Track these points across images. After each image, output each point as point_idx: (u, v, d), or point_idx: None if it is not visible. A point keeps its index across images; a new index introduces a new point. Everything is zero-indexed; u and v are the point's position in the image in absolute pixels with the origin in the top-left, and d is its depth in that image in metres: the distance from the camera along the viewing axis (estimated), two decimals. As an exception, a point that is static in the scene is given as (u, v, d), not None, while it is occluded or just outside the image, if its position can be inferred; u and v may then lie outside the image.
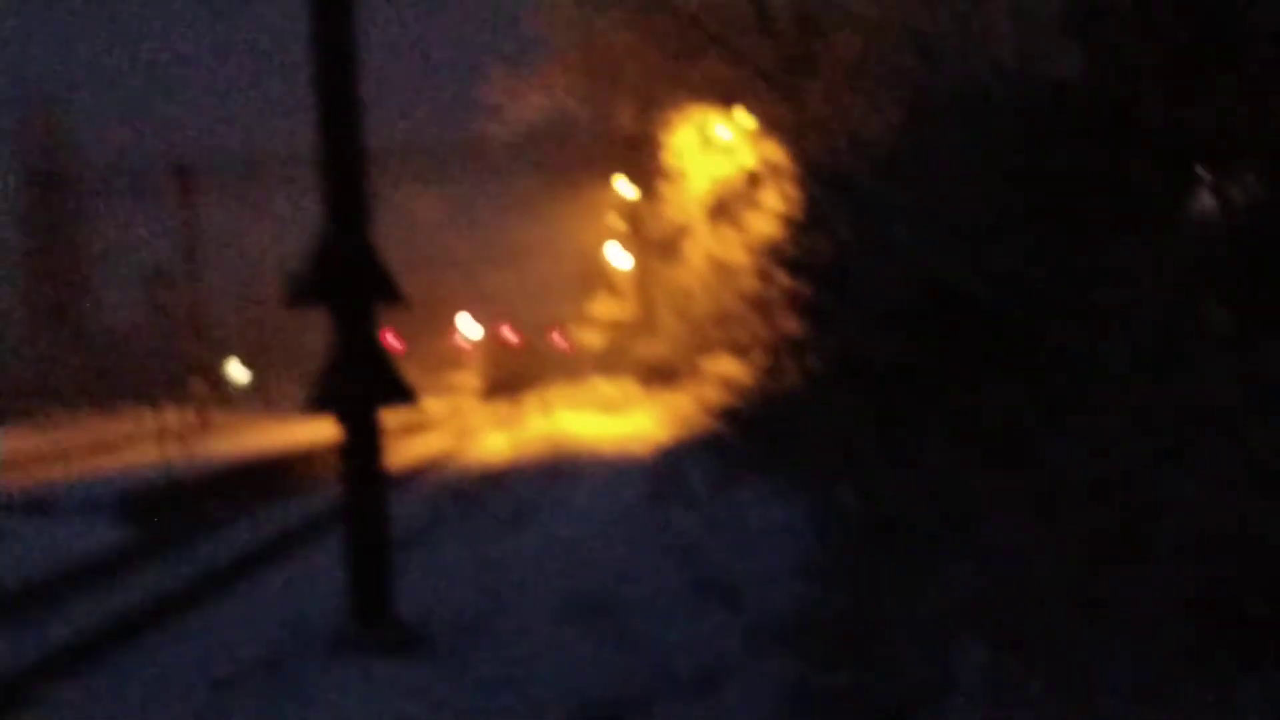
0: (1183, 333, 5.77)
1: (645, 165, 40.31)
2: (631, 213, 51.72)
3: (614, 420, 39.05)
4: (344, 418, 9.87)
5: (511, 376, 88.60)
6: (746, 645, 8.23)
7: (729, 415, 13.49)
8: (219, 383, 67.75)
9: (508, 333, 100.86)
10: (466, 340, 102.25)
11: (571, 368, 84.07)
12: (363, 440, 9.92)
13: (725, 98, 31.68)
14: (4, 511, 19.47)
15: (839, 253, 9.78)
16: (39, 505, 19.90)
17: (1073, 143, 7.20)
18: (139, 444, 38.67)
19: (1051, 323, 6.18)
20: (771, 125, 29.85)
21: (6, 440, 40.71)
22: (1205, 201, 7.06)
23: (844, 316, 8.66)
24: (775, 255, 11.28)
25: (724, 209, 30.81)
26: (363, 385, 9.91)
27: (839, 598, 7.83)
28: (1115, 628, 5.16)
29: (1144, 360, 5.62)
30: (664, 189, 34.14)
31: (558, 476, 22.97)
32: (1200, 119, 6.70)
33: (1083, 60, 7.48)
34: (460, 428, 48.66)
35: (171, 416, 29.44)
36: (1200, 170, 6.93)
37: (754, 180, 28.22)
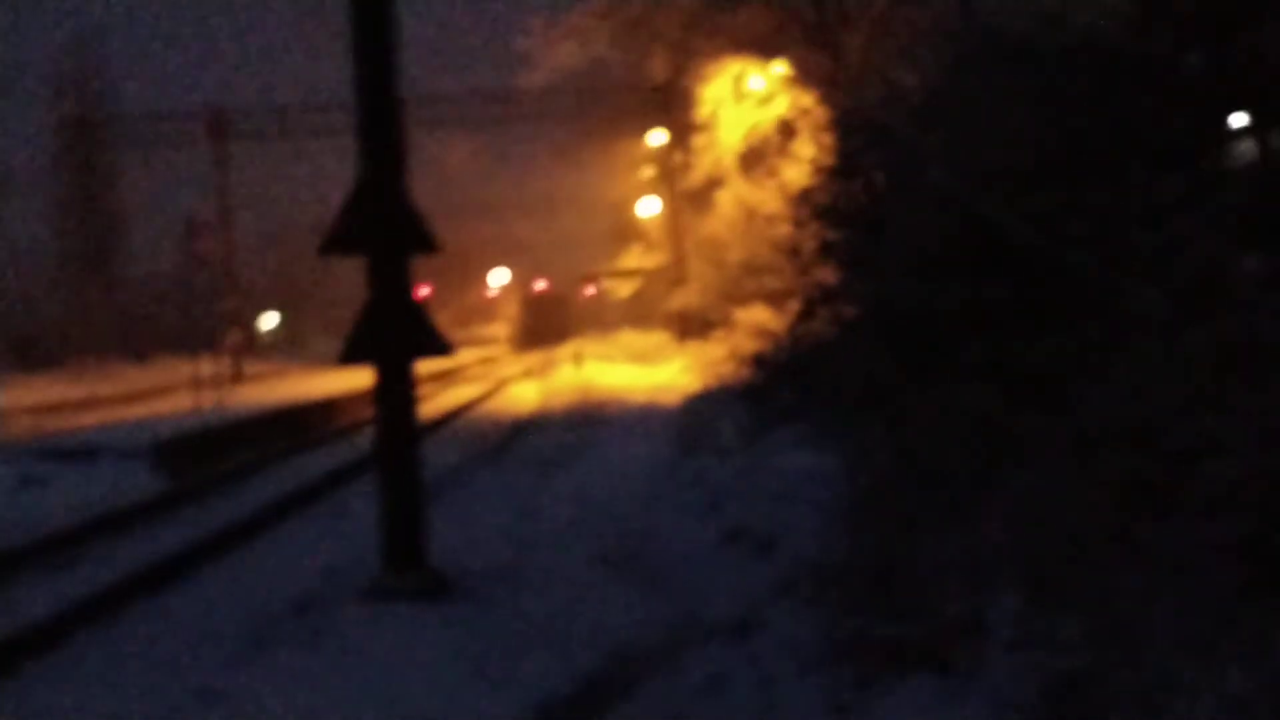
0: (1221, 278, 5.73)
1: (678, 115, 40.23)
2: (664, 163, 51.61)
3: (645, 370, 39.07)
4: (379, 368, 9.89)
5: (543, 327, 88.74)
6: (778, 592, 8.24)
7: (760, 364, 13.46)
8: (251, 332, 68.03)
9: (539, 283, 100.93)
10: (497, 290, 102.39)
11: (603, 318, 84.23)
12: (397, 390, 9.93)
13: (760, 47, 31.54)
14: (42, 459, 19.59)
15: (874, 200, 9.75)
16: (75, 453, 20.01)
17: (1113, 89, 7.15)
18: (173, 393, 38.89)
19: (1089, 267, 6.14)
20: (807, 74, 29.73)
21: (39, 388, 40.95)
22: (1245, 147, 7.00)
23: (878, 263, 8.62)
24: (809, 203, 11.24)
25: (757, 158, 30.74)
26: (398, 336, 9.92)
27: (872, 544, 7.83)
28: (1153, 574, 5.14)
29: (1182, 305, 5.58)
30: (697, 139, 34.06)
31: (589, 426, 23.01)
32: (1243, 66, 6.64)
33: (1130, 6, 7.40)
34: (491, 377, 48.73)
35: (205, 366, 29.53)
36: (1240, 116, 6.87)
37: (787, 129, 28.11)
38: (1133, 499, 5.43)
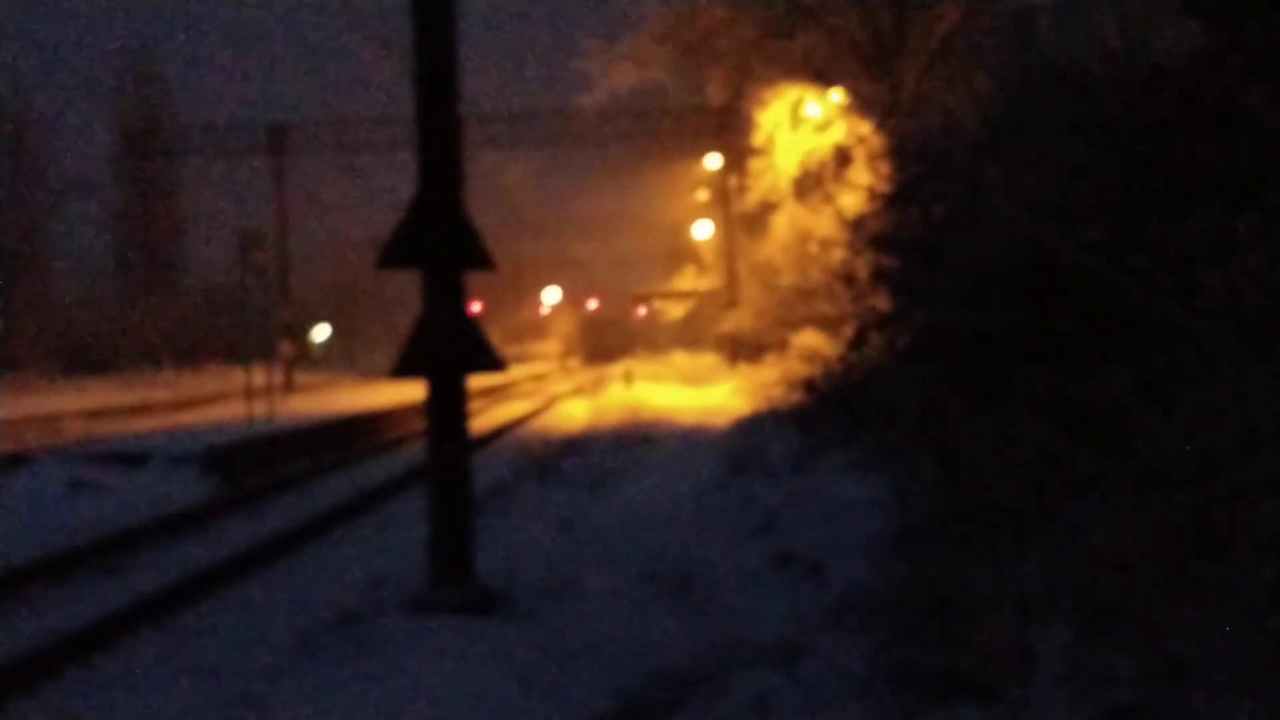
0: (1283, 316, 5.68)
1: (735, 139, 40.31)
2: (719, 186, 51.69)
3: (696, 392, 39.07)
4: (431, 382, 9.93)
5: (594, 346, 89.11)
6: (827, 618, 8.20)
7: (812, 388, 13.45)
8: (305, 344, 68.42)
9: (591, 302, 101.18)
10: (549, 308, 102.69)
11: (654, 339, 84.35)
12: (449, 405, 9.96)
13: (817, 74, 31.59)
14: (94, 463, 19.76)
15: (930, 228, 9.72)
16: (128, 457, 20.18)
17: (1177, 123, 7.11)
18: (225, 401, 39.16)
19: (1151, 300, 6.10)
20: (864, 102, 29.75)
21: (94, 393, 41.25)
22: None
23: (934, 291, 8.60)
24: (864, 230, 11.23)
25: (812, 184, 30.76)
26: (452, 351, 9.96)
27: (921, 573, 7.78)
28: (1207, 612, 5.09)
29: (1247, 342, 5.53)
30: (753, 163, 34.11)
31: (638, 446, 23.00)
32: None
33: (1196, 41, 7.36)
34: (542, 394, 48.83)
35: (257, 375, 29.73)
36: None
37: (843, 156, 28.11)
38: (1189, 536, 5.38)
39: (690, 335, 69.59)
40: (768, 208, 34.38)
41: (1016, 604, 6.36)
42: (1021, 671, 5.93)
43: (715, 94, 38.50)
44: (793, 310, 29.03)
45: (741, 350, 41.35)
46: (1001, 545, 6.94)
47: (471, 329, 10.16)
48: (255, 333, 30.33)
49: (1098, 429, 6.33)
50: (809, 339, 23.34)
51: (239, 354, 32.09)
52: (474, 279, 10.59)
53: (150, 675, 8.91)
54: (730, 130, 43.06)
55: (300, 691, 8.03)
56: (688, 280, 59.22)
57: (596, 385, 51.67)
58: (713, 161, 51.81)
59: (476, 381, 11.33)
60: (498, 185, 77.02)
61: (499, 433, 29.20)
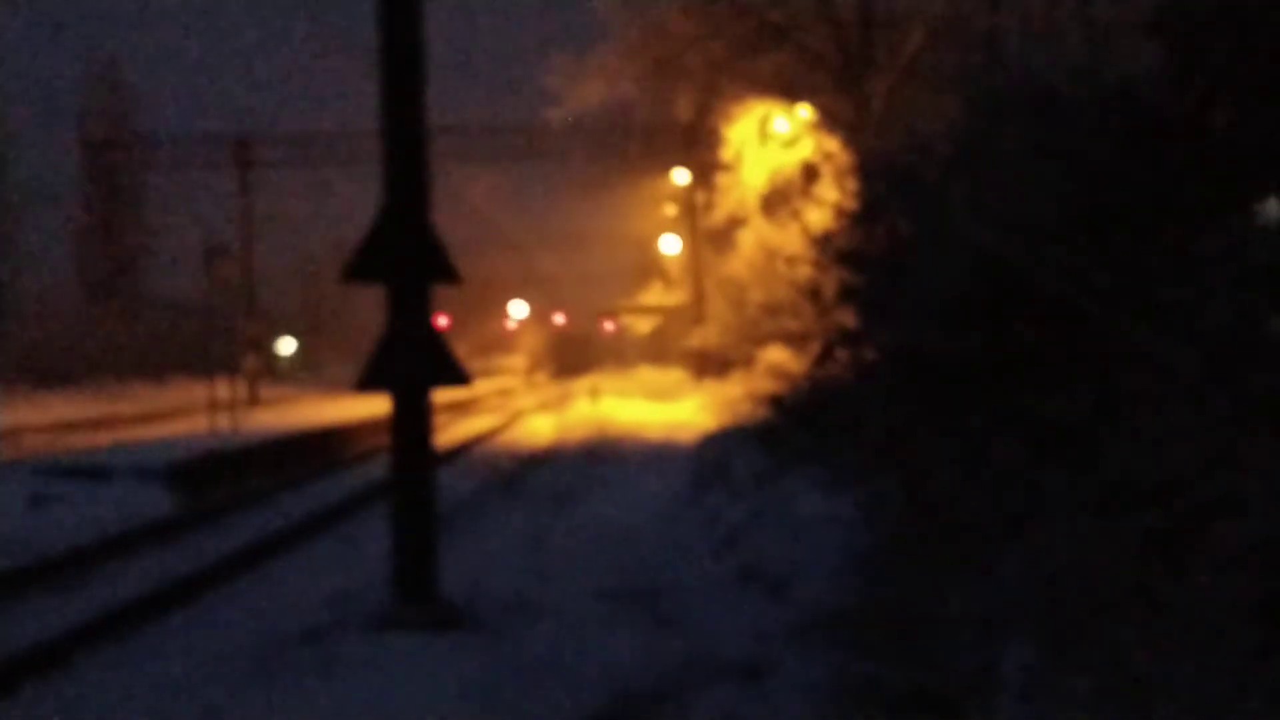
0: (1249, 336, 5.70)
1: (703, 155, 40.38)
2: (686, 202, 51.77)
3: (662, 407, 39.09)
4: (396, 396, 9.89)
5: (560, 361, 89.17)
6: (791, 635, 8.20)
7: (778, 405, 13.45)
8: (270, 357, 68.18)
9: (558, 317, 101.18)
10: (516, 323, 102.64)
11: (621, 354, 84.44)
12: (413, 419, 9.93)
13: (785, 90, 31.68)
14: (56, 477, 19.62)
15: (896, 245, 9.73)
16: (89, 471, 20.04)
17: (1142, 143, 7.14)
18: (189, 415, 38.97)
19: (1115, 320, 6.12)
20: (832, 118, 29.84)
21: (57, 407, 41.02)
22: (1272, 207, 6.98)
23: (900, 309, 8.61)
24: (830, 246, 11.24)
25: (780, 200, 30.83)
26: (416, 365, 9.92)
27: (886, 590, 7.79)
28: (1170, 631, 5.10)
29: (1209, 362, 5.55)
30: (720, 179, 34.18)
31: (604, 461, 22.99)
32: (1273, 126, 6.63)
33: (1161, 63, 7.40)
34: (508, 409, 48.75)
35: (222, 389, 29.60)
36: (1271, 175, 6.85)
37: (811, 172, 28.17)
38: (1152, 555, 5.39)
39: (657, 350, 69.70)
40: (735, 223, 34.45)
41: (981, 622, 6.37)
42: (985, 689, 5.93)
43: (683, 109, 38.55)
44: (759, 326, 29.07)
45: (708, 366, 41.40)
46: (966, 563, 6.94)
47: (437, 343, 10.13)
48: (220, 346, 30.22)
49: (1062, 448, 6.34)
50: (775, 355, 23.38)
51: (204, 367, 31.96)
52: (442, 293, 10.56)
53: (109, 691, 8.82)
54: (698, 146, 43.15)
55: (261, 709, 7.98)
56: (655, 296, 59.32)
57: (562, 400, 51.65)
58: (680, 177, 51.89)
59: (442, 396, 11.30)
60: (465, 199, 76.95)
61: (465, 448, 29.12)
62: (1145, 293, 6.14)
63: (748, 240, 33.68)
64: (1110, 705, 5.25)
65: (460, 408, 45.19)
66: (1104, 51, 9.36)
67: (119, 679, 9.09)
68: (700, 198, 43.91)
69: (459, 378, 10.17)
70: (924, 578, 7.29)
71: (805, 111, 31.59)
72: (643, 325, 68.01)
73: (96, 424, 38.06)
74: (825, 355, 11.26)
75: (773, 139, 32.37)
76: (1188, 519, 5.24)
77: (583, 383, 62.49)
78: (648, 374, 60.57)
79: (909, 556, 7.84)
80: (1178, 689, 4.90)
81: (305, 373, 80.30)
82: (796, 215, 26.57)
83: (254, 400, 45.21)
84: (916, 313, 8.16)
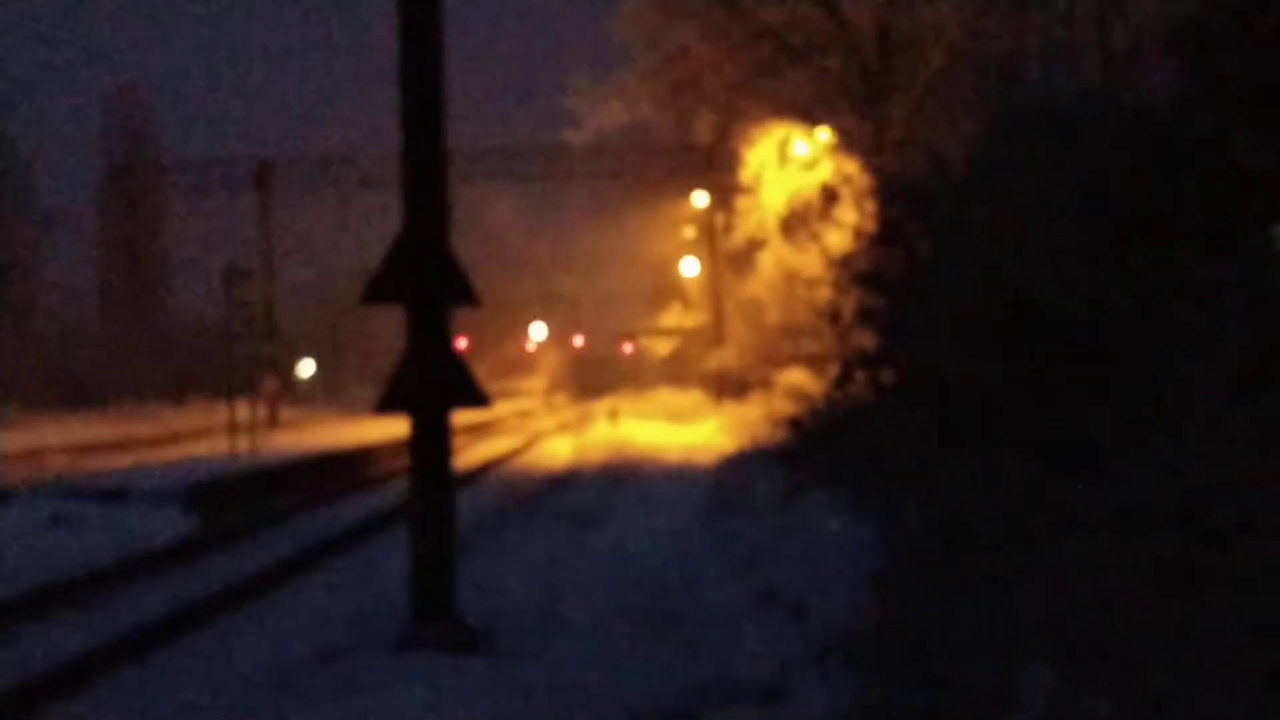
0: (1267, 358, 5.70)
1: (722, 177, 40.41)
2: (705, 224, 51.77)
3: (681, 429, 39.04)
4: (415, 418, 9.91)
5: (580, 382, 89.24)
6: (809, 657, 8.18)
7: (797, 426, 13.43)
8: (289, 379, 68.28)
9: (577, 339, 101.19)
10: (535, 344, 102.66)
11: (640, 376, 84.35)
12: (432, 441, 9.94)
13: (804, 113, 31.70)
14: (74, 499, 19.65)
15: (915, 267, 9.74)
16: (109, 493, 20.07)
17: (1160, 166, 7.14)
18: (209, 436, 39.03)
19: (1133, 342, 6.11)
20: (851, 141, 29.85)
21: (78, 428, 41.14)
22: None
23: (919, 330, 8.61)
24: (849, 268, 11.24)
25: (799, 222, 30.81)
26: (436, 387, 9.94)
27: (905, 612, 7.77)
28: (1188, 653, 5.08)
29: (1227, 383, 5.54)
30: (740, 201, 34.18)
31: (623, 483, 22.97)
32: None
33: (1177, 85, 7.41)
34: (527, 431, 48.74)
35: (242, 411, 29.64)
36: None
37: (830, 195, 28.17)
38: (1171, 576, 5.38)
39: (676, 372, 69.61)
40: (754, 246, 34.44)
41: (1000, 643, 6.35)
42: (1003, 711, 5.92)
43: (703, 132, 38.62)
44: (778, 348, 29.06)
45: (727, 388, 41.37)
46: (985, 584, 6.93)
47: (456, 365, 10.15)
48: (240, 368, 30.28)
49: (1080, 469, 6.33)
50: (794, 377, 23.34)
51: (224, 389, 32.02)
52: (461, 315, 10.59)
53: (129, 713, 8.84)
54: (717, 168, 43.15)
55: (280, 729, 7.99)
56: (674, 317, 59.32)
57: (582, 422, 51.61)
58: (700, 199, 51.89)
59: (461, 417, 11.31)
60: (485, 221, 77.14)
61: (484, 469, 29.11)
62: (1163, 314, 6.14)
63: (767, 262, 33.67)
64: (1129, 728, 5.24)
65: (480, 429, 45.19)
66: (1122, 74, 9.38)
67: (139, 700, 9.11)
68: (719, 220, 43.92)
69: (478, 399, 10.18)
70: (943, 599, 7.28)
71: (824, 134, 31.61)
72: (662, 347, 68.02)
73: (116, 446, 38.13)
74: (844, 377, 11.24)
75: (792, 161, 32.38)
76: (1206, 541, 5.23)
77: (602, 404, 62.44)
78: (667, 396, 60.51)
79: (928, 578, 7.82)
80: (1196, 711, 4.88)
81: (325, 394, 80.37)
82: (816, 237, 26.58)
83: (274, 422, 45.23)
84: (935, 334, 8.17)
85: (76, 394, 60.47)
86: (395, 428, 10.55)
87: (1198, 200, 6.92)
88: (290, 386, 69.63)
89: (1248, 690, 4.82)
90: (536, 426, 53.27)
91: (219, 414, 34.84)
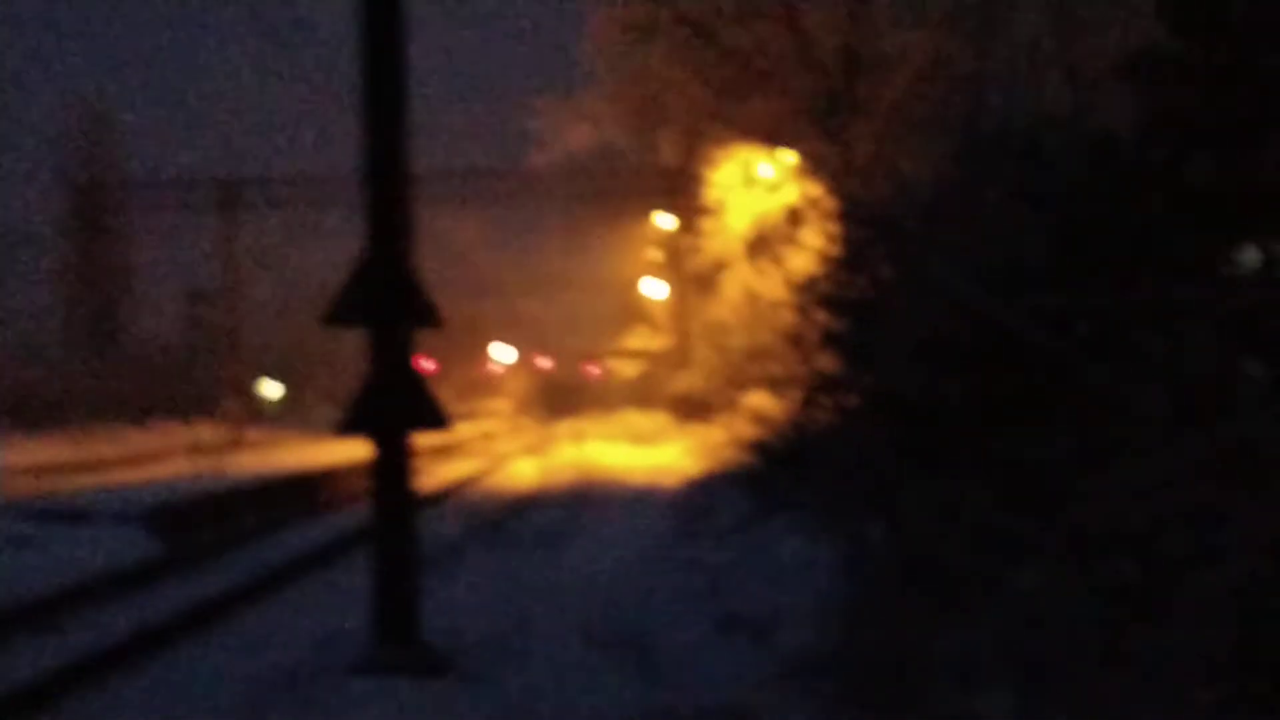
0: (1223, 385, 5.74)
1: (686, 199, 40.45)
2: (670, 246, 51.80)
3: (645, 451, 39.04)
4: (377, 440, 9.89)
5: (545, 404, 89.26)
6: (773, 681, 8.19)
7: (761, 450, 13.45)
8: (252, 399, 67.99)
9: (543, 361, 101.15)
10: (500, 367, 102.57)
11: (604, 398, 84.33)
12: (394, 463, 9.93)
13: (769, 135, 31.77)
14: (35, 520, 19.52)
15: (878, 291, 9.77)
16: (70, 515, 19.92)
17: (1120, 192, 7.19)
18: (171, 458, 38.86)
19: (1092, 367, 6.15)
20: (816, 164, 29.91)
21: (38, 449, 40.89)
22: (1250, 255, 7.03)
23: (881, 355, 8.64)
24: (813, 292, 11.27)
25: (763, 245, 30.88)
26: (397, 409, 9.93)
27: (868, 636, 7.79)
28: (1143, 680, 5.11)
29: (1184, 410, 5.58)
30: (704, 224, 34.21)
31: (586, 505, 22.96)
32: (1249, 176, 6.68)
33: (1135, 111, 7.47)
34: (491, 453, 48.65)
35: (204, 431, 29.53)
36: (1246, 224, 6.90)
37: (795, 218, 28.24)
38: (1128, 603, 5.41)
39: (641, 395, 69.55)
40: (719, 268, 34.45)
41: (961, 668, 6.37)
42: (964, 736, 5.94)
43: (667, 154, 38.62)
44: (743, 371, 29.07)
45: (692, 410, 41.35)
46: (946, 609, 6.95)
47: (418, 387, 10.13)
48: (203, 389, 30.17)
49: (1041, 494, 6.36)
50: (758, 400, 23.36)
51: (187, 410, 31.90)
52: (425, 336, 10.57)
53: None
54: (682, 190, 43.14)
55: (241, 754, 7.95)
56: (639, 340, 59.30)
57: (546, 444, 51.54)
58: (665, 221, 51.93)
59: (425, 439, 11.29)
60: (449, 243, 77.00)
61: (448, 492, 29.03)
62: (1124, 340, 6.17)
63: (731, 285, 33.70)
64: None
65: (443, 451, 45.07)
66: (1084, 99, 9.45)
67: (98, 724, 9.06)
68: (684, 242, 43.94)
69: (439, 422, 10.17)
70: (905, 623, 7.30)
71: (789, 157, 31.68)
72: (627, 369, 67.98)
73: (79, 467, 37.91)
74: (808, 401, 11.26)
75: (757, 184, 32.44)
76: (1163, 567, 5.26)
77: (567, 426, 62.41)
78: (632, 418, 60.43)
79: (890, 602, 7.84)
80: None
81: (290, 415, 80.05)
82: (780, 261, 26.66)
83: (237, 443, 45.05)
84: (897, 359, 8.20)
85: (37, 415, 60.06)
86: (360, 449, 10.52)
87: (1159, 225, 6.96)
88: (254, 407, 69.37)
89: (1203, 716, 4.84)
90: (501, 448, 53.17)
91: (182, 435, 34.73)
